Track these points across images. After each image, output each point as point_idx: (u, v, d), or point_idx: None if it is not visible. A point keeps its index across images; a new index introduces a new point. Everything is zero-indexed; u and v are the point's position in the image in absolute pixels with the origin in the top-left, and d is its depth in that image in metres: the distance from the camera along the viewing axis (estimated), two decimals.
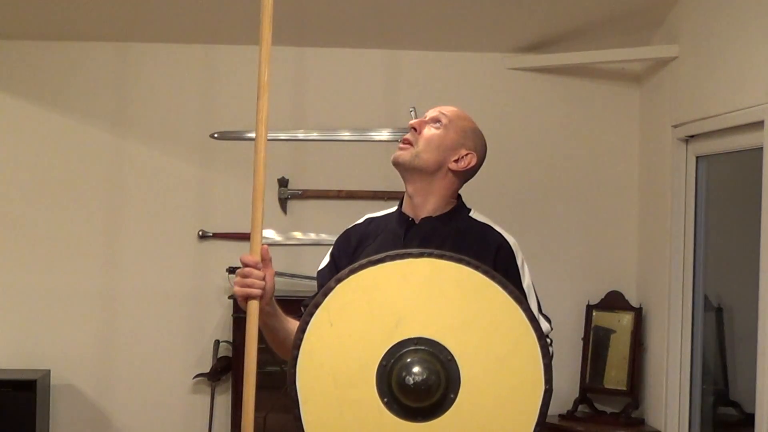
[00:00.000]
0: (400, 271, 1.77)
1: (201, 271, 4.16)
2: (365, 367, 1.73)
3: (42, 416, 3.92)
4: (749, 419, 3.29)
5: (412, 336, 1.74)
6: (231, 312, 3.99)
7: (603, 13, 3.94)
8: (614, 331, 4.12)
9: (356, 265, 1.79)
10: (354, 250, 2.04)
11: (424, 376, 1.71)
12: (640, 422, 4.00)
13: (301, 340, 1.74)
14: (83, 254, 4.15)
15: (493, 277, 1.80)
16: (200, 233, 4.15)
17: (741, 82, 3.28)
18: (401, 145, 2.05)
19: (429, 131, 2.05)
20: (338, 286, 1.76)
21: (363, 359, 1.74)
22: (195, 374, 4.10)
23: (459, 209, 2.09)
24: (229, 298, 4.00)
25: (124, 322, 4.16)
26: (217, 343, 4.11)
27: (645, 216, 4.17)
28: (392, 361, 1.73)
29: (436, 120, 2.07)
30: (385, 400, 1.73)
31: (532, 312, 1.83)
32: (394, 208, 2.13)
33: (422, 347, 1.74)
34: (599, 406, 4.10)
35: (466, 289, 1.78)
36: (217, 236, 4.15)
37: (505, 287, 1.80)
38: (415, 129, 2.05)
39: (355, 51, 4.19)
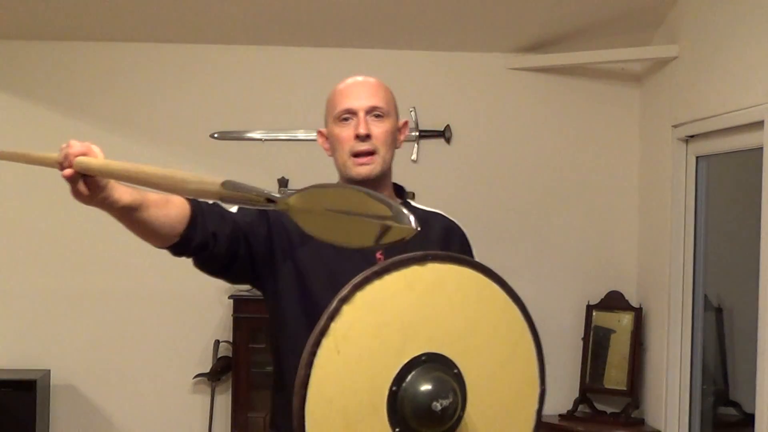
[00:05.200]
0: (404, 281, 1.59)
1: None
2: (375, 397, 1.54)
3: (42, 416, 3.92)
4: (749, 419, 3.29)
5: (420, 353, 1.58)
6: (231, 312, 3.99)
7: (603, 13, 3.94)
8: (614, 331, 4.12)
9: (359, 279, 1.55)
10: (300, 240, 1.83)
11: (451, 400, 1.55)
12: (640, 422, 4.00)
13: (308, 376, 1.50)
14: (83, 254, 4.15)
15: (491, 276, 1.69)
16: None
17: (741, 82, 3.28)
18: (362, 160, 1.87)
19: (378, 128, 1.88)
20: (344, 306, 1.54)
21: (373, 387, 1.54)
22: (195, 374, 4.10)
23: (405, 200, 1.96)
24: (230, 298, 4.00)
25: (124, 322, 4.16)
26: (217, 343, 4.11)
27: (645, 216, 4.17)
28: (403, 385, 1.55)
29: (376, 113, 1.89)
30: (398, 430, 1.55)
31: (527, 309, 1.72)
32: None
33: (431, 364, 1.58)
34: (599, 406, 4.10)
35: (468, 293, 1.66)
36: None
37: (503, 286, 1.70)
38: (368, 135, 1.86)
39: (355, 51, 4.20)
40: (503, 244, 4.21)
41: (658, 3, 3.86)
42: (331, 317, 1.53)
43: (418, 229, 1.30)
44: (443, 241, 1.90)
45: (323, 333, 1.52)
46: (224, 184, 1.38)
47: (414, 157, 4.18)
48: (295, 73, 4.22)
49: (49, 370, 4.07)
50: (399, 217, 1.33)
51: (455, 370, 1.60)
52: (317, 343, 1.52)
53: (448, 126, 4.22)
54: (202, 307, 4.18)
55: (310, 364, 1.51)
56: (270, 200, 1.39)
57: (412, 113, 4.17)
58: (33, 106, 4.14)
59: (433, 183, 4.12)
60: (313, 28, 4.06)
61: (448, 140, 4.21)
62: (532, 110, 4.28)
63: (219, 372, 4.04)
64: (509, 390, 1.70)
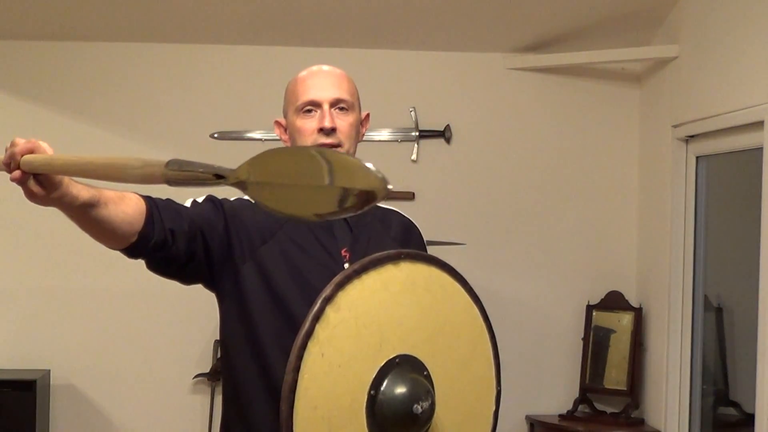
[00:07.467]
0: (380, 280, 1.56)
1: None
2: (355, 401, 1.51)
3: (42, 416, 3.92)
4: (749, 419, 3.29)
5: (394, 355, 1.55)
6: None
7: (603, 13, 3.94)
8: (614, 331, 4.12)
9: (341, 278, 1.51)
10: (261, 238, 1.75)
11: (430, 402, 1.54)
12: (640, 422, 4.00)
13: (296, 381, 1.45)
14: (83, 254, 4.14)
15: (455, 275, 1.68)
16: None
17: (741, 82, 3.28)
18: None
19: (342, 122, 1.83)
20: (327, 307, 1.49)
21: (352, 391, 1.51)
22: (195, 374, 4.10)
23: None
24: None
25: (124, 322, 4.16)
26: (217, 343, 4.10)
27: (645, 216, 4.17)
28: (381, 388, 1.52)
29: (340, 106, 1.84)
30: None
31: (485, 309, 1.71)
32: None
33: (405, 366, 1.56)
34: (599, 406, 4.10)
35: (435, 293, 1.65)
36: None
37: (464, 285, 1.69)
38: (333, 129, 1.80)
39: (355, 51, 4.19)
40: (503, 244, 4.21)
41: (658, 3, 3.86)
42: (316, 318, 1.48)
43: (390, 187, 1.16)
44: (403, 238, 1.87)
45: (308, 335, 1.47)
46: (169, 164, 1.27)
47: (414, 157, 4.17)
48: (295, 74, 4.21)
49: (49, 370, 4.07)
50: (356, 173, 1.17)
51: (425, 372, 1.58)
52: (303, 347, 1.47)
53: (448, 126, 4.22)
54: (202, 307, 4.16)
55: (297, 369, 1.46)
56: (219, 176, 1.25)
57: (412, 113, 4.17)
58: (33, 106, 4.14)
59: (432, 183, 4.12)
60: (314, 28, 4.06)
61: (448, 140, 4.21)
62: (531, 110, 4.28)
63: (219, 372, 4.04)
64: (470, 391, 1.69)
